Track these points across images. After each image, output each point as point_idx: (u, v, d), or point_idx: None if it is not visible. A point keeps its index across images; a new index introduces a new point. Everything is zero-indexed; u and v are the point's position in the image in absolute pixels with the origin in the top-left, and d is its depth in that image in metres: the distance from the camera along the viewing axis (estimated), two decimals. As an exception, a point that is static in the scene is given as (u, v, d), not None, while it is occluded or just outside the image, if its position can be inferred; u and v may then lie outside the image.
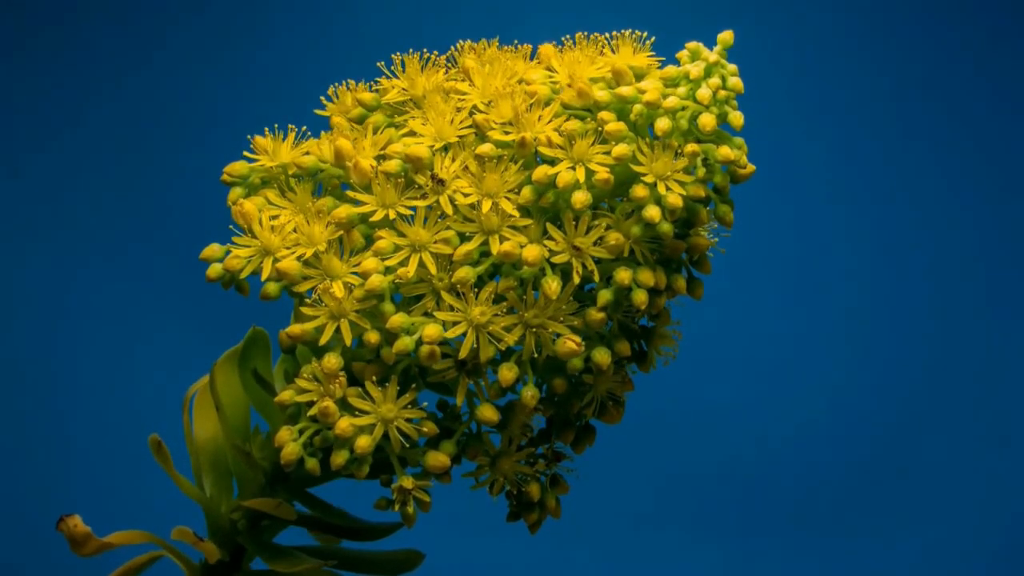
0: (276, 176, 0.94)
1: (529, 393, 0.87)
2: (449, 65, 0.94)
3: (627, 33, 0.91)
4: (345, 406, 0.86)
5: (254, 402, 0.97)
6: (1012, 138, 1.89)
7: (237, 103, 1.82)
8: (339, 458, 0.86)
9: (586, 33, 0.92)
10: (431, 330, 0.84)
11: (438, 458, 0.88)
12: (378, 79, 0.95)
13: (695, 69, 0.87)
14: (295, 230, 0.89)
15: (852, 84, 1.89)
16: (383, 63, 0.95)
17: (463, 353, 0.85)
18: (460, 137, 0.88)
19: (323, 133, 0.94)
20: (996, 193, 1.89)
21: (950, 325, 1.87)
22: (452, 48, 0.94)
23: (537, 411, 0.91)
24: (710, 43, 0.88)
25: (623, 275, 0.86)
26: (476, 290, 0.85)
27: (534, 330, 0.86)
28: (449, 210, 0.86)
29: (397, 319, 0.85)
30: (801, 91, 1.88)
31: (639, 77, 0.89)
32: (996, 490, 1.82)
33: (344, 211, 0.87)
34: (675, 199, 0.85)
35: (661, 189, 0.85)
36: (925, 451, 1.83)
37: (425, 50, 0.94)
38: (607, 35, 0.91)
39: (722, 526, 1.82)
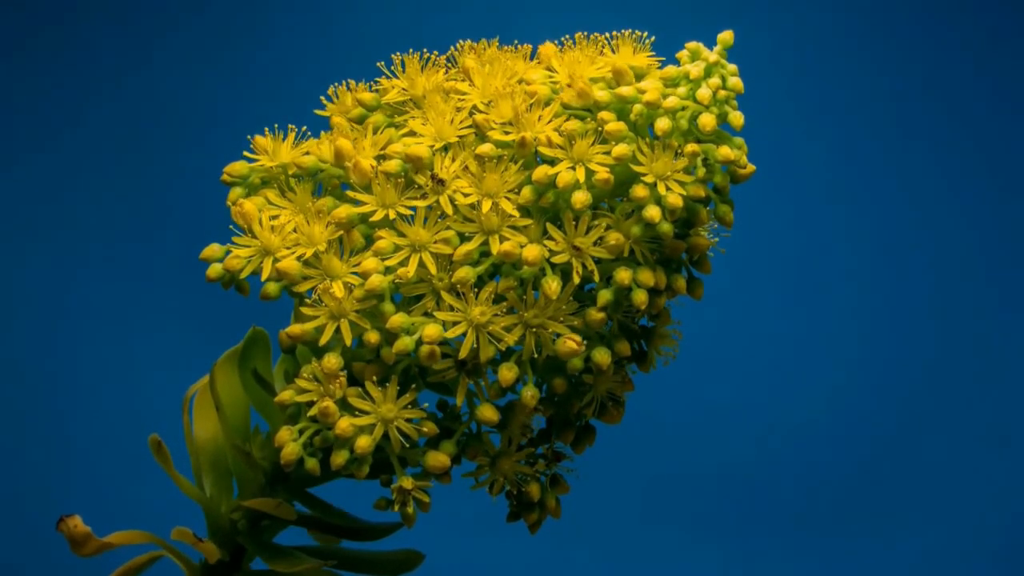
0: (276, 176, 0.94)
1: (529, 393, 0.87)
2: (449, 65, 0.94)
3: (627, 33, 0.91)
4: (345, 406, 0.86)
5: (254, 402, 0.97)
6: (1012, 138, 1.89)
7: (237, 103, 1.82)
8: (339, 458, 0.86)
9: (586, 33, 0.92)
10: (431, 330, 0.84)
11: (438, 458, 0.88)
12: (378, 79, 0.95)
13: (695, 69, 0.87)
14: (295, 230, 0.89)
15: (852, 84, 1.89)
16: (383, 63, 0.95)
17: (463, 353, 0.85)
18: (460, 137, 0.88)
19: (323, 133, 0.94)
20: (996, 193, 1.89)
21: (950, 325, 1.87)
22: (452, 48, 0.94)
23: (537, 411, 0.91)
24: (710, 43, 0.88)
25: (623, 275, 0.86)
26: (476, 290, 0.85)
27: (534, 330, 0.86)
28: (449, 210, 0.86)
29: (397, 319, 0.85)
30: (801, 91, 1.88)
31: (639, 77, 0.89)
32: (996, 490, 1.82)
33: (344, 211, 0.87)
34: (675, 199, 0.85)
35: (661, 189, 0.85)
36: (925, 451, 1.83)
37: (425, 50, 0.94)
38: (607, 35, 0.91)
39: (722, 526, 1.82)
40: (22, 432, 1.76)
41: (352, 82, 0.95)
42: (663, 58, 0.90)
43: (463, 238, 0.86)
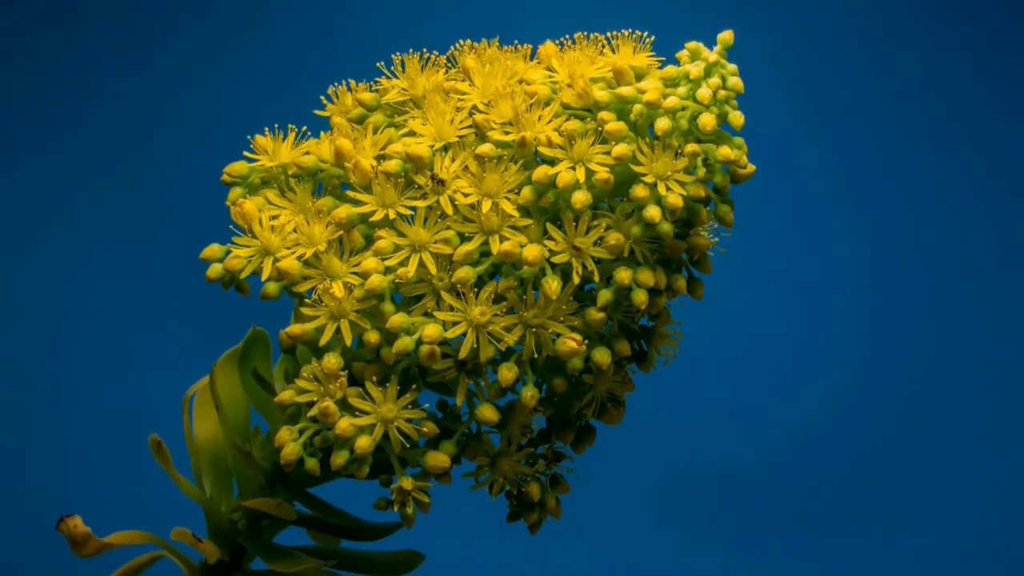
0: (276, 176, 0.94)
1: (529, 393, 0.87)
2: (449, 65, 0.94)
3: (627, 33, 0.91)
4: (345, 406, 0.86)
5: (254, 402, 0.97)
6: (1012, 138, 1.89)
7: (237, 103, 1.82)
8: (339, 458, 0.86)
9: (586, 33, 0.92)
10: (431, 330, 0.84)
11: (438, 458, 0.88)
12: (378, 79, 0.95)
13: (695, 69, 0.87)
14: (295, 230, 0.89)
15: (852, 84, 1.89)
16: (383, 63, 0.95)
17: (463, 353, 0.85)
18: (460, 137, 0.88)
19: (323, 133, 0.94)
20: (996, 193, 1.89)
21: (950, 325, 1.87)
22: (452, 48, 0.94)
23: (537, 411, 0.91)
24: (710, 43, 0.88)
25: (623, 275, 0.86)
26: (476, 290, 0.85)
27: (534, 330, 0.86)
28: (449, 210, 0.86)
29: (397, 319, 0.85)
30: (801, 91, 1.88)
31: (639, 77, 0.89)
32: (996, 490, 1.82)
33: (344, 211, 0.87)
34: (675, 199, 0.85)
35: (661, 189, 0.85)
36: (925, 451, 1.83)
37: (425, 50, 0.94)
38: (607, 35, 0.91)
39: (723, 526, 1.82)
40: (22, 432, 1.76)
41: (352, 82, 0.95)
42: (663, 58, 0.90)
43: (463, 238, 0.86)
